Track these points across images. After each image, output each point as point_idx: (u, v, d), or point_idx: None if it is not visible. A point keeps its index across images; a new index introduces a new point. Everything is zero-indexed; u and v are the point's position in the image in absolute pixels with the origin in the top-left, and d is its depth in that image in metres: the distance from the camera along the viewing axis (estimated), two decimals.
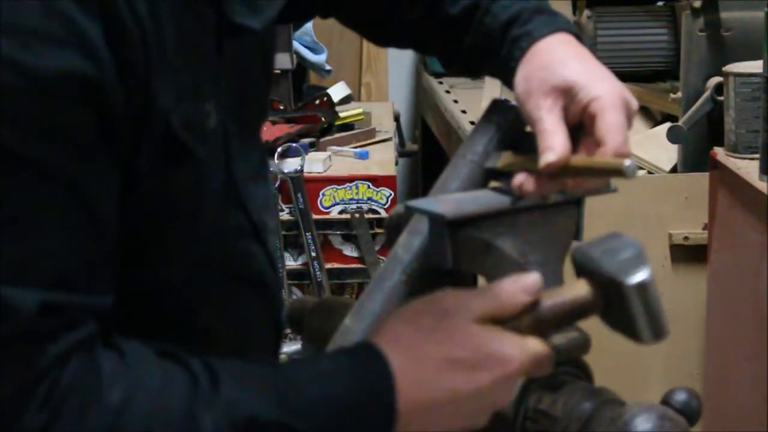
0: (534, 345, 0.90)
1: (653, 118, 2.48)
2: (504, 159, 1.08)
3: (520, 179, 1.00)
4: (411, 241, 1.04)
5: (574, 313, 0.91)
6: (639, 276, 0.88)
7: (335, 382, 0.86)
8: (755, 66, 1.94)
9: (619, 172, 0.95)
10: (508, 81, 1.08)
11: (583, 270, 0.91)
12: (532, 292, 0.90)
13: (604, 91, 1.03)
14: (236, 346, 0.96)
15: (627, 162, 0.96)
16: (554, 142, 0.99)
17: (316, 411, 0.84)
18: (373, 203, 2.82)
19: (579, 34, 1.12)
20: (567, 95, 1.03)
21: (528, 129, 1.05)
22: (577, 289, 0.91)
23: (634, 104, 1.07)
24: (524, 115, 1.04)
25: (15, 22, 0.75)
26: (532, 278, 0.91)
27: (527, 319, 0.90)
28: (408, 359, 0.87)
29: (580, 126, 1.02)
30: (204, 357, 0.84)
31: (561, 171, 0.99)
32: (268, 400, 0.83)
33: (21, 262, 0.77)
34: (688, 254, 2.25)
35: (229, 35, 0.92)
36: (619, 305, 0.89)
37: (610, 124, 1.01)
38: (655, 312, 0.89)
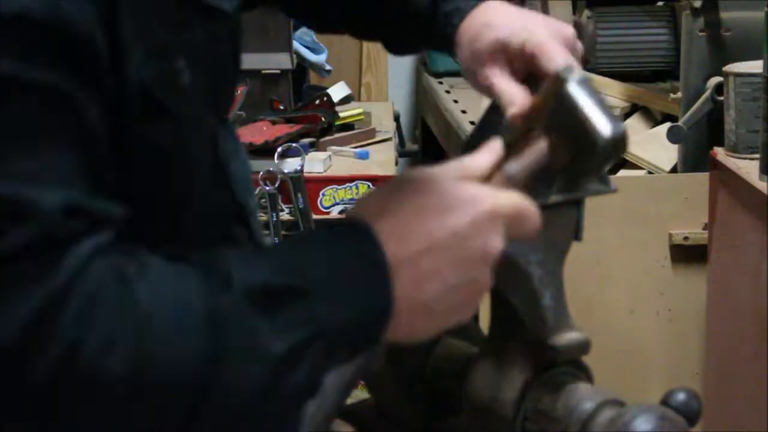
0: (509, 194, 0.90)
1: (653, 118, 2.48)
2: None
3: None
4: None
5: (539, 163, 0.93)
6: (576, 73, 0.91)
7: (321, 243, 0.86)
8: (755, 66, 1.94)
9: (559, 81, 0.93)
10: (452, 55, 1.17)
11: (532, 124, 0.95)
12: (496, 150, 0.93)
13: (536, 30, 1.08)
14: None
15: (561, 67, 0.96)
16: (511, 97, 1.05)
17: (316, 272, 0.84)
18: None
19: None
20: (505, 53, 1.09)
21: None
22: (536, 143, 0.94)
23: (571, 36, 1.12)
24: (481, 91, 1.11)
25: None
26: (493, 141, 0.93)
27: (498, 178, 0.92)
28: (378, 216, 0.87)
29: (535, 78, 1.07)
30: (207, 251, 0.84)
31: (532, 120, 0.98)
32: (271, 268, 0.83)
33: (39, 168, 0.76)
34: (688, 254, 2.25)
35: (201, 15, 0.92)
36: (570, 119, 0.91)
37: (548, 53, 1.06)
38: (604, 104, 0.91)
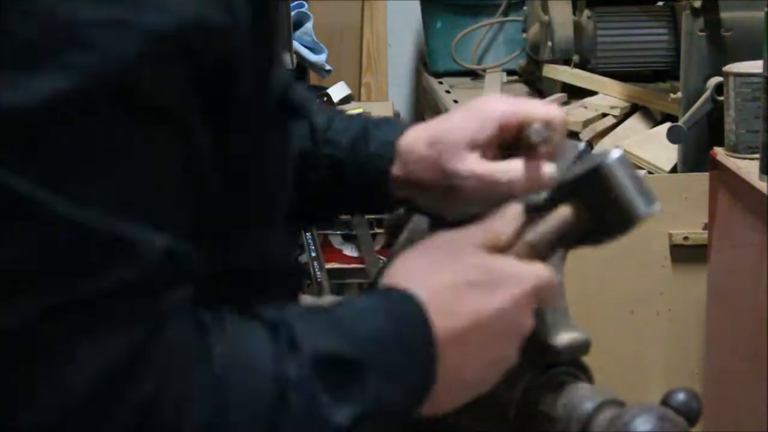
0: (538, 267, 0.92)
1: (653, 118, 2.48)
2: None
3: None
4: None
5: (563, 232, 0.93)
6: (614, 153, 0.91)
7: (377, 317, 0.87)
8: (755, 66, 1.94)
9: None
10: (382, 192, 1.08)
11: (560, 192, 0.94)
12: (517, 216, 0.93)
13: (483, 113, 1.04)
14: None
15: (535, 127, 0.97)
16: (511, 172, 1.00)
17: (376, 348, 0.85)
18: None
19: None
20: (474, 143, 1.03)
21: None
22: (560, 210, 0.93)
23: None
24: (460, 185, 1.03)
25: None
26: (512, 207, 0.94)
27: (522, 245, 0.92)
28: (426, 290, 0.88)
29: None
30: (273, 308, 0.84)
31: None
32: (338, 340, 0.84)
33: (150, 205, 0.75)
34: (688, 254, 2.25)
35: None
36: (604, 195, 0.91)
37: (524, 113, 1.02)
38: (640, 180, 0.91)
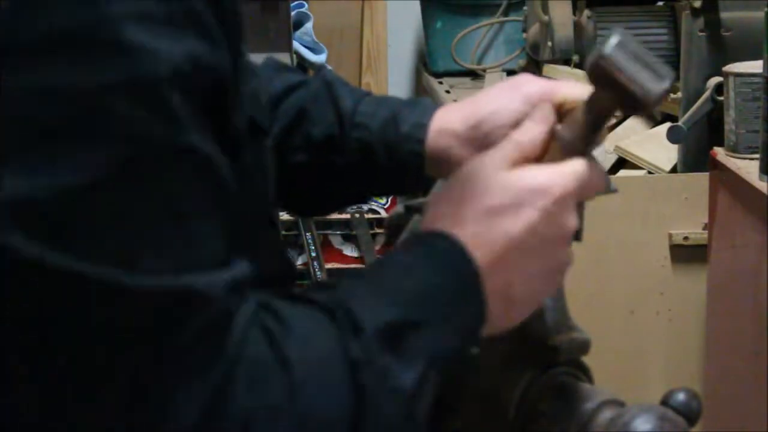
0: (570, 165, 0.91)
1: (653, 118, 2.48)
2: None
3: None
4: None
5: (594, 117, 0.91)
6: (612, 40, 0.88)
7: (421, 271, 0.87)
8: (755, 66, 1.94)
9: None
10: (415, 177, 1.10)
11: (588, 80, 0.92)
12: (544, 118, 0.93)
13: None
14: None
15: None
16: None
17: (425, 301, 0.86)
18: (373, 203, 2.82)
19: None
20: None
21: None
22: (586, 103, 0.91)
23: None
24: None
25: (138, 9, 0.72)
26: (540, 109, 0.93)
27: (555, 146, 0.91)
28: (458, 228, 0.89)
29: None
30: (326, 288, 0.85)
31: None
32: (389, 305, 0.84)
33: (201, 248, 0.75)
34: (688, 254, 2.25)
35: None
36: (614, 84, 0.89)
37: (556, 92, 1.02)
38: (645, 57, 0.89)
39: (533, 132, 0.93)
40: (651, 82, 0.89)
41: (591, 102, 0.92)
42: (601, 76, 0.89)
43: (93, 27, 0.71)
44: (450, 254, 0.88)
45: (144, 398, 0.74)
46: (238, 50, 0.82)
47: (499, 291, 0.89)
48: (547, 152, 0.92)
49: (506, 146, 0.92)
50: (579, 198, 0.91)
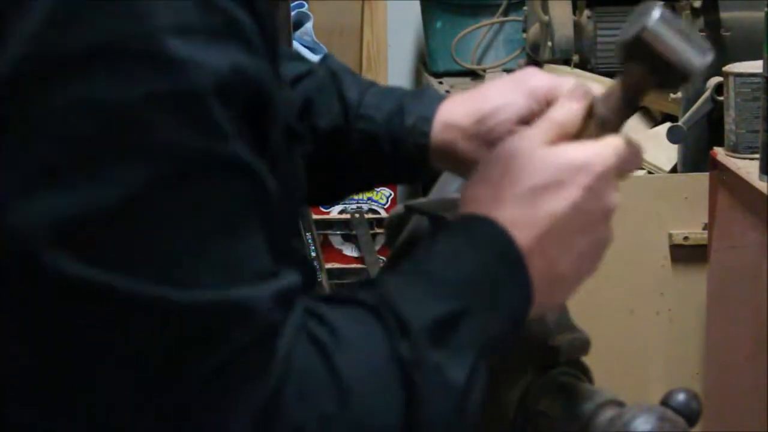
0: (609, 141, 0.91)
1: (653, 118, 2.48)
2: None
3: None
4: None
5: (630, 98, 0.91)
6: (655, 13, 0.88)
7: (465, 259, 0.87)
8: (755, 66, 1.94)
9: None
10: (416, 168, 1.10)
11: (620, 54, 0.91)
12: (581, 95, 0.92)
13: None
14: None
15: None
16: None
17: (469, 289, 0.85)
18: (372, 203, 2.83)
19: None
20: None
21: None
22: (623, 77, 0.91)
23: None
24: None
25: (179, 22, 0.72)
26: (577, 87, 0.93)
27: (591, 124, 0.91)
28: (498, 209, 0.88)
29: None
30: (369, 286, 0.84)
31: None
32: (435, 299, 0.84)
33: (247, 262, 0.75)
34: (688, 254, 2.25)
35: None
36: (655, 58, 0.89)
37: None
38: (687, 31, 0.89)
39: (570, 109, 0.92)
40: (694, 55, 0.89)
41: (627, 78, 0.91)
42: (643, 49, 0.89)
43: (135, 40, 0.70)
44: (492, 238, 0.87)
45: (194, 416, 0.74)
46: (275, 57, 0.82)
47: (544, 271, 0.88)
48: (584, 129, 0.92)
49: (543, 124, 0.92)
50: (618, 174, 0.91)
